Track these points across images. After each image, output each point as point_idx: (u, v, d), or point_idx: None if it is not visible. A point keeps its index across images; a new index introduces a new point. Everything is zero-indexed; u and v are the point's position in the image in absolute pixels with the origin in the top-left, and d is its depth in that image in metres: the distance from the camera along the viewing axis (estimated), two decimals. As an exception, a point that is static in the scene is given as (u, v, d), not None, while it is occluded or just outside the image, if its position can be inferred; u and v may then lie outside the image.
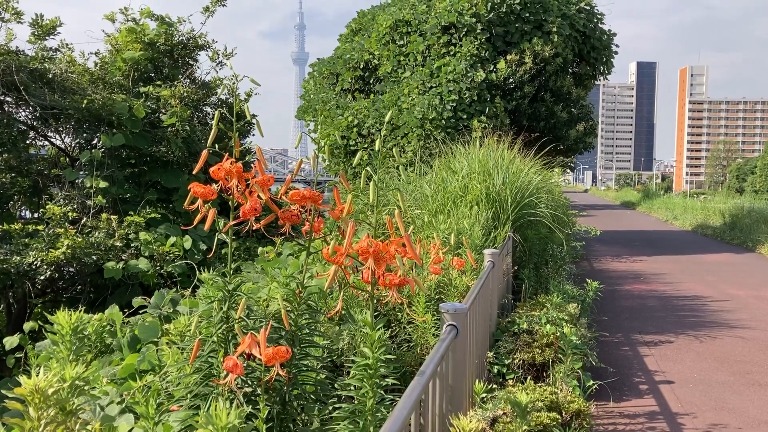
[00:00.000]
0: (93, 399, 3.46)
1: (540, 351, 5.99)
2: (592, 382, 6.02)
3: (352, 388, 2.99)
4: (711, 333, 9.13)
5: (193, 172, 3.42)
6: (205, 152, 3.16)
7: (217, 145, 3.12)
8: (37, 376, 2.34)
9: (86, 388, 2.60)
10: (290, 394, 3.14)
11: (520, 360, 5.99)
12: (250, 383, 3.04)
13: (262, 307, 4.03)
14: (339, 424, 2.95)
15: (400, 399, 2.48)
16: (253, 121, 3.40)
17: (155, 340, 4.75)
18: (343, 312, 4.52)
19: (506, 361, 5.96)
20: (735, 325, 9.61)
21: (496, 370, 5.91)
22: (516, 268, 9.05)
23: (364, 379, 2.85)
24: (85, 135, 13.01)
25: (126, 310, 6.37)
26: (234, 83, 12.87)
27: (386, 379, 2.94)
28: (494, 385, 5.30)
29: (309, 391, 3.30)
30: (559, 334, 6.06)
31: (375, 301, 3.13)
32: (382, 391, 2.91)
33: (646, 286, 13.25)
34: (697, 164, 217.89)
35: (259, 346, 2.74)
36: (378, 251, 2.79)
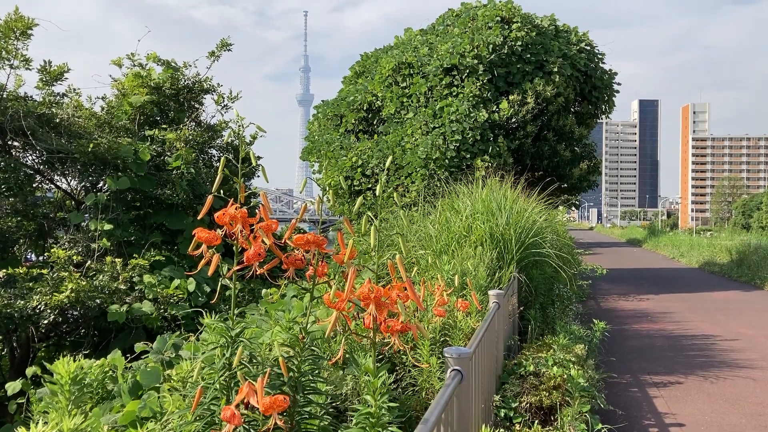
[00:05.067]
0: (93, 448, 3.41)
1: (547, 394, 5.90)
2: (600, 426, 5.91)
3: (356, 436, 2.94)
4: (721, 373, 8.99)
5: (198, 217, 3.43)
6: (210, 197, 3.16)
7: (221, 189, 3.13)
8: (37, 427, 2.32)
9: (85, 438, 2.57)
10: (292, 443, 3.08)
11: (527, 403, 5.90)
12: (251, 432, 2.99)
13: (265, 352, 4.00)
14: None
15: (403, 448, 2.44)
16: (259, 164, 3.41)
17: (157, 386, 4.70)
18: (346, 355, 4.48)
19: (513, 405, 5.87)
20: (745, 365, 9.48)
21: (503, 414, 5.81)
22: (522, 308, 8.98)
23: (367, 428, 2.80)
24: (90, 178, 13.10)
25: (129, 354, 6.33)
26: (239, 127, 13.00)
27: (390, 427, 2.89)
28: (501, 430, 5.21)
29: (311, 439, 3.24)
30: (566, 376, 5.98)
31: (378, 345, 3.09)
32: (385, 440, 2.86)
33: (654, 325, 13.11)
34: (702, 201, 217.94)
35: (257, 395, 2.70)
36: (379, 297, 2.77)
